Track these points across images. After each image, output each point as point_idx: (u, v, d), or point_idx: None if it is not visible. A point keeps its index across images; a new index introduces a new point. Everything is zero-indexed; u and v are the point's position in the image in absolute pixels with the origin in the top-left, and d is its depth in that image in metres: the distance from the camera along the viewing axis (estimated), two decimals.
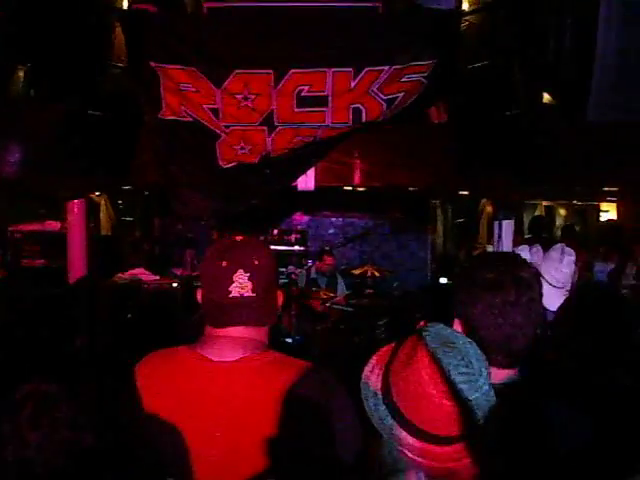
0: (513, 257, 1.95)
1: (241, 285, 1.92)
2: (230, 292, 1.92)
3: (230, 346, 1.94)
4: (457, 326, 1.82)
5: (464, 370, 1.51)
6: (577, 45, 5.47)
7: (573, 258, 3.02)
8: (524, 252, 2.98)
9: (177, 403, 1.90)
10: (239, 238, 2.05)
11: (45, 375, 1.78)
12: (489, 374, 1.55)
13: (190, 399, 1.90)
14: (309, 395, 1.88)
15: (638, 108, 4.80)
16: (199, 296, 2.04)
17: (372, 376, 1.67)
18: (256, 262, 1.95)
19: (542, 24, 5.86)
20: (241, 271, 1.92)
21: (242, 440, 1.86)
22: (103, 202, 8.97)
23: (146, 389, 1.95)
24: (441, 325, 1.64)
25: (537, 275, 1.85)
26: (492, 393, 1.53)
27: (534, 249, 3.07)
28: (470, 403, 1.48)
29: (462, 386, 1.48)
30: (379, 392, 1.62)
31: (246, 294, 1.92)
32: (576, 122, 5.20)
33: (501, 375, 1.78)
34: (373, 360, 1.71)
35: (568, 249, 3.05)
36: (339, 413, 1.89)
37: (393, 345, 1.68)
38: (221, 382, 1.90)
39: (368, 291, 7.34)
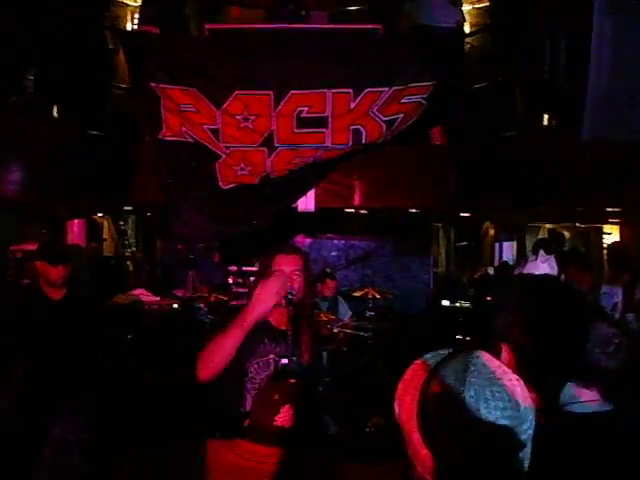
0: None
1: None
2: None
3: None
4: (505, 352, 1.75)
5: (509, 414, 1.40)
6: (572, 65, 5.50)
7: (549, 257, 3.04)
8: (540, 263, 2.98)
9: None
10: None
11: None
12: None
13: None
14: None
15: (634, 126, 4.78)
16: None
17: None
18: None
19: (538, 44, 5.88)
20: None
21: None
22: (106, 223, 8.99)
23: None
24: (486, 356, 1.50)
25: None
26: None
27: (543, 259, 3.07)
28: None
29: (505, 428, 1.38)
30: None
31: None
32: (576, 143, 5.18)
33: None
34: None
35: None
36: None
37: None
38: None
39: (369, 313, 7.30)
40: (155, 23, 6.56)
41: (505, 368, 1.44)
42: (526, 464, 1.37)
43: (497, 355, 1.67)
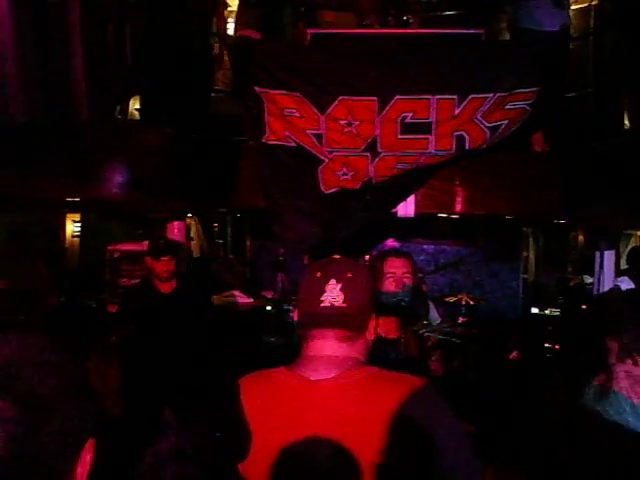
0: None
1: (333, 295, 1.93)
2: (322, 301, 1.93)
3: (324, 365, 1.92)
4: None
5: None
6: None
7: None
8: (624, 283, 2.93)
9: (276, 423, 1.88)
10: (337, 257, 2.09)
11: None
12: None
13: (289, 419, 1.88)
14: (420, 413, 1.82)
15: None
16: (295, 315, 2.06)
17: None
18: (349, 275, 1.95)
19: None
20: (333, 281, 1.94)
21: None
22: (194, 223, 9.11)
23: (248, 411, 1.93)
24: None
25: None
26: None
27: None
28: None
29: None
30: None
31: (337, 304, 1.92)
32: None
33: None
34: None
35: None
36: (450, 430, 1.84)
37: None
38: (319, 400, 1.88)
39: (461, 319, 7.23)
40: (253, 28, 6.64)
41: None
42: None
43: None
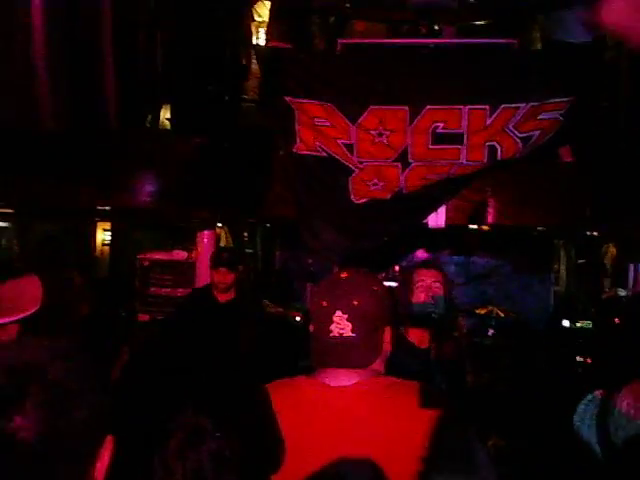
0: None
1: (341, 326, 1.94)
2: (331, 331, 1.95)
3: (345, 373, 1.95)
4: None
5: None
6: None
7: None
8: None
9: (300, 430, 1.89)
10: (344, 275, 2.07)
11: (202, 406, 1.79)
12: None
13: (311, 425, 1.90)
14: (452, 422, 1.86)
15: None
16: (312, 328, 2.07)
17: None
18: (355, 302, 1.96)
19: None
20: (339, 312, 1.95)
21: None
22: (223, 234, 9.14)
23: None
24: None
25: None
26: None
27: None
28: None
29: None
30: None
31: (345, 334, 1.94)
32: None
33: None
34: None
35: None
36: (477, 443, 1.87)
37: None
38: (340, 406, 1.90)
39: (491, 331, 7.18)
40: (283, 39, 6.66)
41: None
42: None
43: None
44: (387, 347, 2.06)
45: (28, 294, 2.98)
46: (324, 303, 1.99)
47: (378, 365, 2.02)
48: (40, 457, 1.04)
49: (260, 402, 1.86)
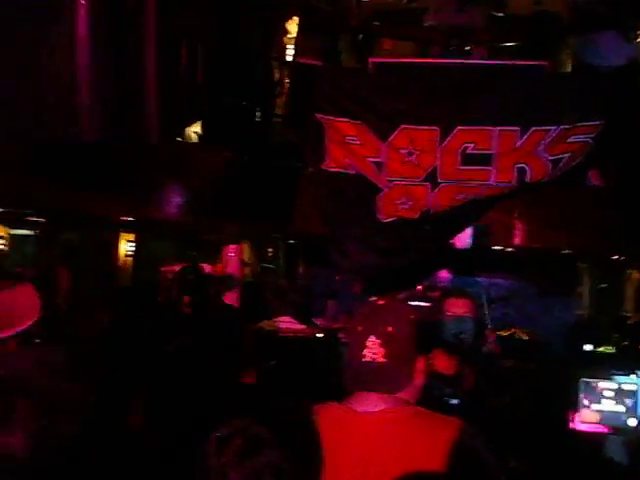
0: None
1: (373, 350, 1.98)
2: (364, 356, 1.98)
3: (372, 399, 1.98)
4: None
5: None
6: None
7: None
8: None
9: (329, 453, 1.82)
10: (381, 302, 2.12)
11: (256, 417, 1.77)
12: None
13: (337, 449, 1.88)
14: (476, 449, 1.88)
15: None
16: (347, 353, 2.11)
17: None
18: (389, 329, 1.99)
19: None
20: (373, 337, 1.98)
21: None
22: (247, 247, 9.14)
23: None
24: None
25: None
26: None
27: None
28: None
29: None
30: None
31: (378, 359, 1.97)
32: None
33: None
34: None
35: None
36: (498, 470, 1.91)
37: None
38: (362, 432, 1.93)
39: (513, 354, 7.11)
40: (312, 55, 6.69)
41: None
42: None
43: None
44: (419, 377, 2.07)
45: (25, 305, 2.92)
46: (359, 328, 2.03)
47: (407, 394, 2.03)
48: (29, 471, 1.02)
49: (310, 421, 1.85)
